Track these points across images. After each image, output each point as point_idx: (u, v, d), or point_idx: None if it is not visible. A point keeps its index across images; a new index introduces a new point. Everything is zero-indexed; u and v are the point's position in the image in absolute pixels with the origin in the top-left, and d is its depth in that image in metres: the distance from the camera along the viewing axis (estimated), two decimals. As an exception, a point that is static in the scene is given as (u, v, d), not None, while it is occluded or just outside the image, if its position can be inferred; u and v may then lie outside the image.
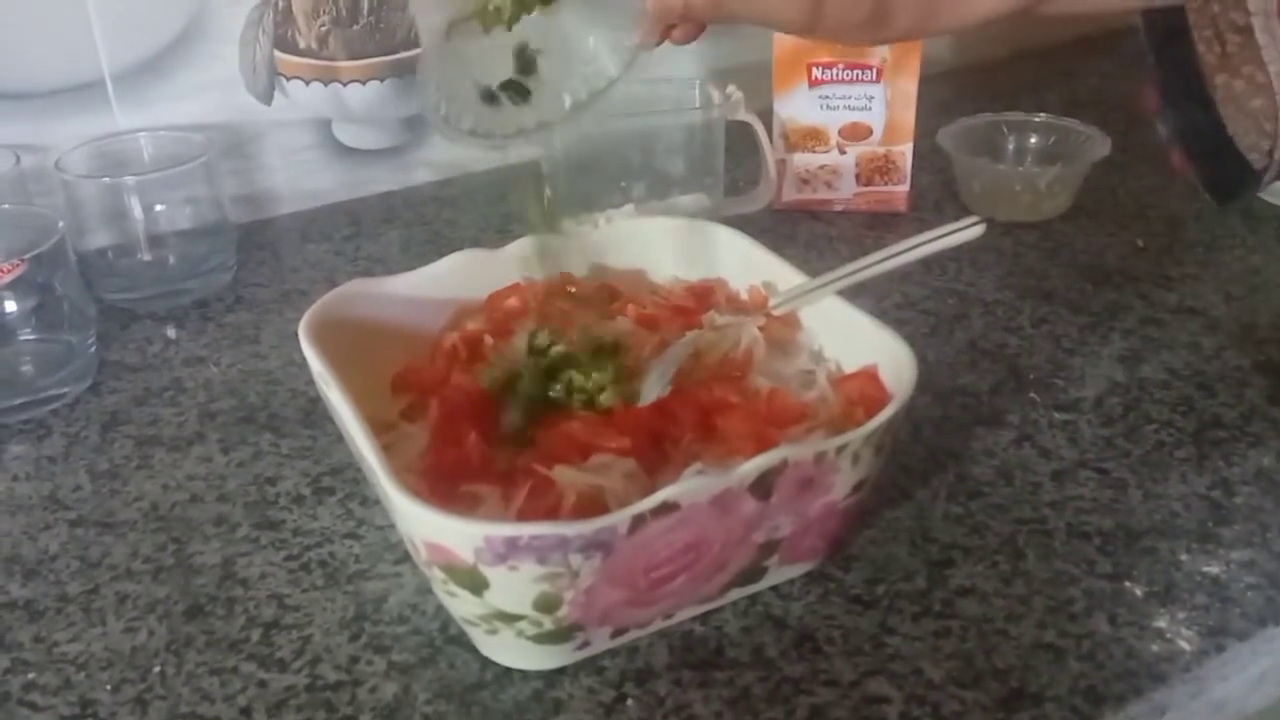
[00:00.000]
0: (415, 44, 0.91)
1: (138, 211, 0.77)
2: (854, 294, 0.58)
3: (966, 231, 0.57)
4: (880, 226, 0.87)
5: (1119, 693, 0.47)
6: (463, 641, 0.50)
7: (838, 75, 0.84)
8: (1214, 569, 0.54)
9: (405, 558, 0.55)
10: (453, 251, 0.62)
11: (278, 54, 0.87)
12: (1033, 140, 0.91)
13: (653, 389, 0.53)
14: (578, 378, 0.54)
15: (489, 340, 0.58)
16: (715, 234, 0.65)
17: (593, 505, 0.47)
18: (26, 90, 0.81)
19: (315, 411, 0.67)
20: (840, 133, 0.86)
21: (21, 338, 0.68)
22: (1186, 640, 0.50)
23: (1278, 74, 0.47)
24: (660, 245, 0.65)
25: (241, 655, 0.50)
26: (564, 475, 0.48)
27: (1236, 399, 0.66)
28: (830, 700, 0.47)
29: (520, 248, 0.62)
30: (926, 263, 0.81)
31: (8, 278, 0.65)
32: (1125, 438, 0.63)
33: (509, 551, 0.42)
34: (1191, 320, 0.74)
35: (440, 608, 0.52)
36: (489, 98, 0.54)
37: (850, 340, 0.57)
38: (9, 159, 0.76)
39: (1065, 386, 0.67)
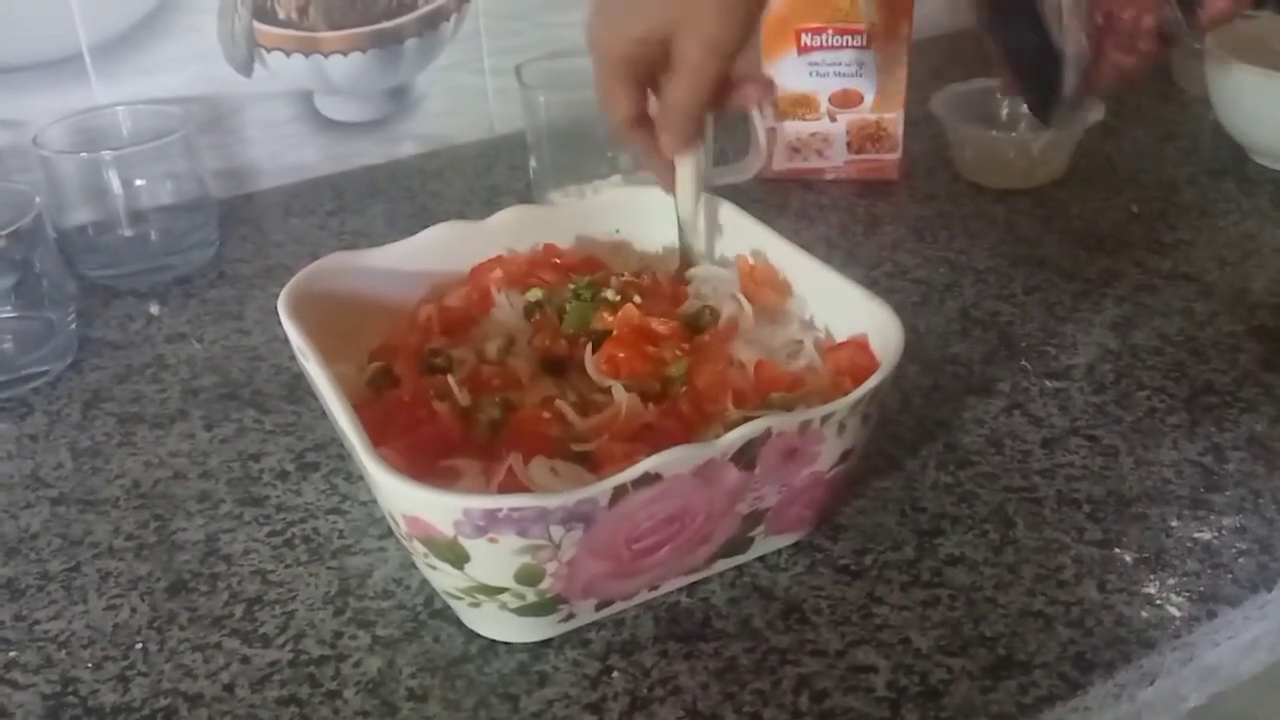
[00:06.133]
0: (397, 13, 0.90)
1: (117, 187, 0.76)
2: (845, 262, 0.57)
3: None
4: (872, 195, 0.86)
5: (1108, 660, 0.47)
6: (447, 615, 0.50)
7: (827, 42, 0.83)
8: (1205, 535, 0.53)
9: (389, 533, 0.55)
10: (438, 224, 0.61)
11: (257, 25, 0.86)
12: (1026, 106, 0.90)
13: None
14: None
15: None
16: (703, 204, 0.64)
17: (575, 478, 0.47)
18: (2, 64, 0.79)
19: (299, 387, 0.66)
20: (831, 100, 0.85)
21: (1, 315, 0.67)
22: (1177, 606, 0.49)
23: None
24: (647, 215, 0.64)
25: (224, 631, 0.50)
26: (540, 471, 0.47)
27: (1229, 365, 0.65)
28: (817, 670, 0.47)
29: (502, 219, 0.62)
30: (918, 230, 0.81)
31: (-15, 254, 0.64)
32: (1117, 404, 0.62)
33: (489, 524, 0.41)
34: (1185, 286, 0.73)
35: (424, 582, 0.51)
36: None
37: (840, 309, 0.56)
38: (-14, 134, 0.75)
39: (1057, 354, 0.67)
